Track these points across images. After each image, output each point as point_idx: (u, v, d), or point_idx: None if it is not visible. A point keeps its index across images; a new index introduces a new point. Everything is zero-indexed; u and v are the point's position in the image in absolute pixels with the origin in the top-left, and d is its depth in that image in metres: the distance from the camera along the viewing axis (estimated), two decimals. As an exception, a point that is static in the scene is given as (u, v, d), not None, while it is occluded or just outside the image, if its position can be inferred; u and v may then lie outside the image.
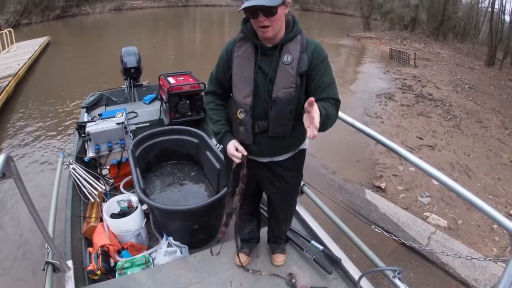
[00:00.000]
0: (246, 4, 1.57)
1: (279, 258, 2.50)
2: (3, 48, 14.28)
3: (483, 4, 28.18)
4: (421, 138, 7.25)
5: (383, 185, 5.23)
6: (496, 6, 21.50)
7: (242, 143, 1.89)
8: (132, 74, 5.05)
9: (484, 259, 2.31)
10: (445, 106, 9.67)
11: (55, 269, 2.12)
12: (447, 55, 19.93)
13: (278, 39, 1.73)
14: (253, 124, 1.80)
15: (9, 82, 9.13)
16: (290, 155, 1.97)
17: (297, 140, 1.95)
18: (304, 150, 2.06)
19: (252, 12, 1.59)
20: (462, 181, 5.71)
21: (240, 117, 1.80)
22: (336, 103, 1.75)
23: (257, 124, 1.80)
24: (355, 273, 2.33)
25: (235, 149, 1.84)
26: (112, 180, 3.68)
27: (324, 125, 1.59)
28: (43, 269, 2.07)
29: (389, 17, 27.20)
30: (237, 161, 1.85)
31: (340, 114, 2.25)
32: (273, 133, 1.80)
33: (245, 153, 1.85)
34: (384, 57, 16.98)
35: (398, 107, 9.28)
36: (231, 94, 1.91)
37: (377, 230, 2.50)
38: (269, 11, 1.57)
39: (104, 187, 3.40)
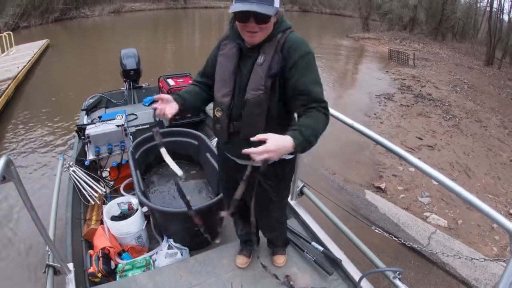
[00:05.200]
0: (239, 8, 1.51)
1: (279, 260, 2.49)
2: (3, 51, 14.27)
3: (481, 3, 28.29)
4: (420, 138, 7.26)
5: (383, 186, 5.25)
6: (495, 5, 21.64)
7: (219, 141, 1.99)
8: (132, 76, 5.06)
9: (484, 259, 2.32)
10: (444, 106, 9.68)
11: (56, 271, 2.13)
12: (446, 55, 19.97)
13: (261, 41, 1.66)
14: (229, 124, 1.78)
15: (9, 85, 9.13)
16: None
17: None
18: (287, 161, 1.93)
19: (244, 16, 1.55)
20: (461, 180, 5.71)
21: (217, 115, 1.80)
22: (321, 105, 1.59)
23: (233, 124, 1.78)
24: (355, 274, 2.33)
25: (159, 97, 1.75)
26: (112, 182, 3.68)
27: (305, 149, 1.50)
28: (44, 272, 2.08)
29: (387, 18, 27.24)
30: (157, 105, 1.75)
31: (339, 114, 2.26)
32: (243, 134, 1.74)
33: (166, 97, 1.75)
34: (383, 58, 17.01)
35: (397, 108, 9.30)
36: None
37: (377, 231, 2.51)
38: (262, 19, 1.54)
39: (104, 190, 3.40)
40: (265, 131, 1.46)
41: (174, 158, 3.75)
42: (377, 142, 2.07)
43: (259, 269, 2.41)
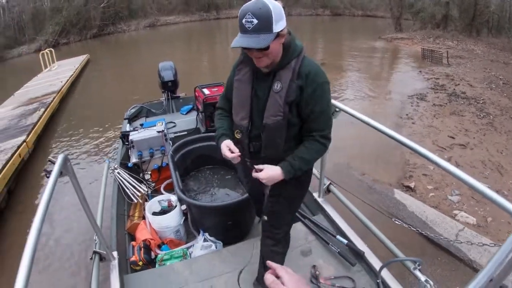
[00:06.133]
0: (234, 44, 1.60)
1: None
2: (45, 67, 15.12)
3: (515, -5, 27.09)
4: (453, 137, 7.17)
5: (412, 185, 5.26)
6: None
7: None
8: (170, 87, 5.35)
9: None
10: (478, 104, 9.48)
11: (101, 258, 2.37)
12: (481, 51, 19.35)
13: (274, 65, 1.74)
14: (249, 144, 1.90)
15: (54, 98, 9.75)
16: None
17: None
18: (306, 171, 2.00)
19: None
20: (493, 178, 5.65)
21: (237, 137, 1.91)
22: (321, 134, 1.80)
23: (252, 144, 1.89)
24: (377, 265, 2.43)
25: (227, 149, 1.86)
26: (153, 184, 3.98)
27: (294, 176, 1.82)
28: (91, 258, 2.31)
29: (420, 16, 26.67)
30: (231, 158, 1.86)
31: (368, 119, 2.28)
32: (265, 154, 1.88)
33: (237, 152, 1.85)
34: (417, 57, 16.69)
35: (430, 107, 9.18)
36: None
37: (396, 222, 2.63)
38: (260, 48, 1.60)
39: (146, 190, 3.70)
40: (284, 150, 1.83)
41: (210, 161, 3.96)
42: (397, 140, 2.06)
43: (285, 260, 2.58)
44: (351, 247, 2.65)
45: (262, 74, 1.79)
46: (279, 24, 1.58)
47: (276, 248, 2.22)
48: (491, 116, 8.58)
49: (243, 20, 1.55)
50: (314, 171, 2.93)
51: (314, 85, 1.72)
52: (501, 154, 6.59)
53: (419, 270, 2.03)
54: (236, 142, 1.91)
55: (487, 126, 7.98)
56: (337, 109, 2.46)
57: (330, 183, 3.08)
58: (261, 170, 1.78)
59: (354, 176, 5.62)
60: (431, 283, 1.99)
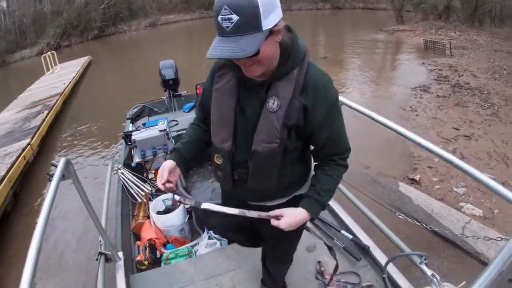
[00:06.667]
0: (208, 54, 1.16)
1: None
2: (48, 70, 15.21)
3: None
4: (457, 129, 7.13)
5: (417, 177, 5.24)
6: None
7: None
8: (171, 85, 5.32)
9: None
10: (482, 94, 9.42)
11: (107, 259, 2.37)
12: (484, 41, 19.22)
13: (270, 73, 1.29)
14: (232, 171, 1.48)
15: (57, 100, 9.82)
16: (285, 200, 1.60)
17: (289, 186, 1.57)
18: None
19: None
20: (500, 169, 5.61)
21: (218, 162, 1.49)
22: (343, 156, 1.50)
23: (237, 172, 1.47)
24: (383, 260, 2.41)
25: (160, 176, 1.51)
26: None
27: (320, 212, 1.49)
28: (96, 259, 2.31)
29: (421, 8, 26.48)
30: (164, 189, 1.53)
31: (371, 113, 2.27)
32: (252, 185, 1.47)
33: (170, 185, 1.52)
34: (419, 49, 16.60)
35: (433, 99, 9.14)
36: None
37: (400, 217, 2.63)
38: None
39: (150, 189, 3.70)
40: (277, 181, 1.46)
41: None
42: (399, 133, 2.05)
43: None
44: (356, 242, 2.64)
45: (252, 83, 1.33)
46: (271, 17, 1.13)
47: (285, 268, 2.14)
48: (496, 107, 8.52)
49: (219, 18, 1.11)
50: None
51: (327, 104, 1.32)
52: (506, 145, 6.54)
53: (425, 264, 2.01)
54: (216, 168, 1.54)
55: (492, 116, 7.93)
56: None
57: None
58: (279, 217, 1.41)
59: (358, 170, 5.60)
60: (438, 277, 1.97)
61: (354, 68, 13.36)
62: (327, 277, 2.41)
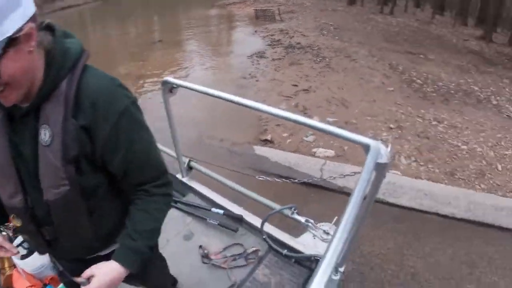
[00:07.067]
0: None
1: None
2: None
3: None
4: (296, 85, 7.63)
5: (269, 137, 5.48)
6: None
7: None
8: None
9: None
10: (314, 50, 10.25)
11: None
12: (310, 3, 20.90)
13: (34, 94, 0.95)
14: (38, 231, 1.11)
15: None
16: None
17: (115, 230, 1.23)
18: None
19: None
20: (341, 112, 6.21)
21: (17, 225, 1.11)
22: (160, 182, 1.16)
23: (46, 229, 1.11)
24: (258, 223, 2.43)
25: None
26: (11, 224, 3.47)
27: (143, 262, 1.15)
28: None
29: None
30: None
31: (207, 89, 2.07)
32: (67, 242, 1.15)
33: (14, 250, 1.16)
34: (251, 19, 17.33)
35: (270, 63, 9.67)
36: None
37: (261, 178, 2.70)
38: None
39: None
40: (93, 231, 1.14)
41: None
42: (238, 103, 1.91)
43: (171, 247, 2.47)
44: (229, 214, 2.63)
45: (20, 112, 0.97)
46: (12, 18, 0.79)
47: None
48: (327, 59, 9.37)
49: None
50: (170, 152, 2.84)
51: (111, 118, 0.98)
52: (342, 90, 7.26)
53: (297, 213, 2.13)
54: (20, 232, 1.21)
55: (325, 68, 8.71)
56: (174, 86, 2.34)
57: (190, 160, 3.00)
58: (89, 279, 1.07)
59: (212, 145, 5.57)
60: (312, 221, 2.09)
61: (191, 47, 13.36)
62: (213, 257, 2.38)
